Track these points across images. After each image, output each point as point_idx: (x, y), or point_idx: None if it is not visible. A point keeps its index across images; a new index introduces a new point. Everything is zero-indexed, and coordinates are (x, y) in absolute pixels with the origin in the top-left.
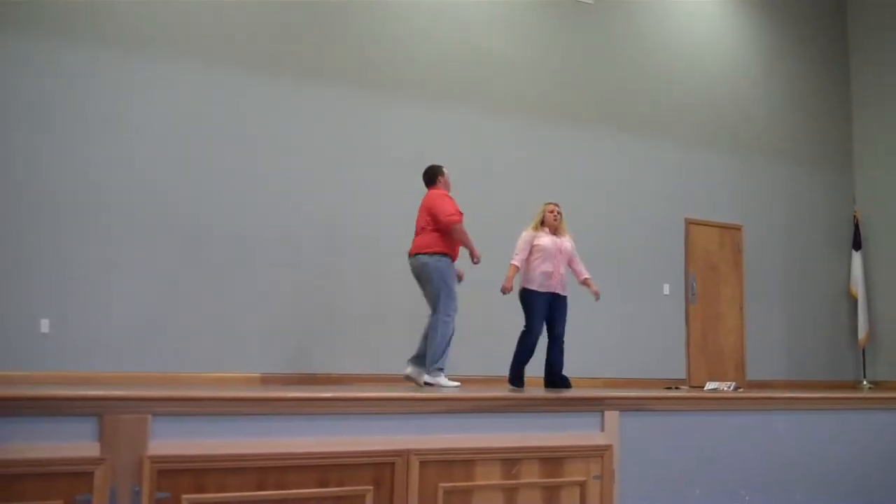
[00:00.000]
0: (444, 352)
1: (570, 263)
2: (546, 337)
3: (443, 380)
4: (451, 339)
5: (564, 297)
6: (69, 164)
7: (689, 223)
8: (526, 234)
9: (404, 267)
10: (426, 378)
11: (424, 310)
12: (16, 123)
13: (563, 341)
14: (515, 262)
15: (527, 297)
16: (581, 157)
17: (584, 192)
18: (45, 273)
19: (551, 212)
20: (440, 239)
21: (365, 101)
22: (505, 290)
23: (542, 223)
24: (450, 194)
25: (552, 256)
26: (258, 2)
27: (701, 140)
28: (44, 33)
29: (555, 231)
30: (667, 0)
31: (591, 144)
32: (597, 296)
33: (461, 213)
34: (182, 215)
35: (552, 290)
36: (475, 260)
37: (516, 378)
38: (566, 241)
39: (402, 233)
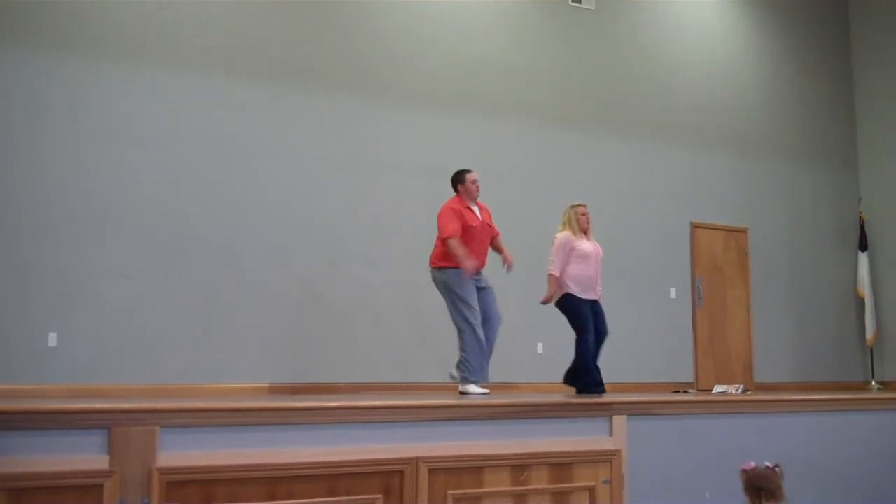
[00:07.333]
0: (470, 363)
1: None
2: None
3: (470, 388)
4: (479, 346)
5: (599, 302)
6: (75, 177)
7: (695, 227)
8: (564, 239)
9: (408, 275)
10: (460, 387)
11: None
12: (18, 135)
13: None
14: (555, 272)
15: (569, 302)
16: (585, 162)
17: (588, 197)
18: (52, 287)
19: (584, 214)
20: (447, 252)
21: (365, 108)
22: (546, 302)
23: (579, 227)
24: (469, 202)
25: (592, 261)
26: (257, 10)
27: (705, 143)
28: (41, 43)
29: (586, 234)
30: (668, 4)
31: (594, 150)
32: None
33: (457, 230)
34: (188, 227)
35: (594, 296)
36: (466, 273)
37: (592, 384)
38: (598, 245)
39: (406, 240)
